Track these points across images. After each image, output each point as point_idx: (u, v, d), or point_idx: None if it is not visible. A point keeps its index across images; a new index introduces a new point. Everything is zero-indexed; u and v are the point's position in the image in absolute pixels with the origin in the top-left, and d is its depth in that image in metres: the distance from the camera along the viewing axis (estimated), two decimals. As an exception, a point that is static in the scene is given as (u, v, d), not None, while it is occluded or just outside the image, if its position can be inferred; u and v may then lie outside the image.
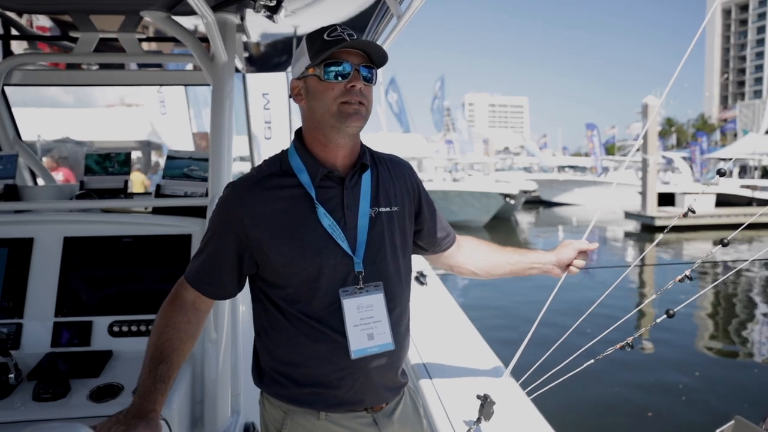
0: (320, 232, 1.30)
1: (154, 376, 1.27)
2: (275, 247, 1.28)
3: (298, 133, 1.40)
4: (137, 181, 15.78)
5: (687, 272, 1.45)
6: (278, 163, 1.37)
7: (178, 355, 1.31)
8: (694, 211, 1.57)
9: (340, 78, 1.28)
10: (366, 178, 1.39)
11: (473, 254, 1.70)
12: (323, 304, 1.31)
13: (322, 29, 1.32)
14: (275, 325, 1.35)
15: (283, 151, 1.41)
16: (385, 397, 1.41)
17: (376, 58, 1.32)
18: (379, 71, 1.37)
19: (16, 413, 1.60)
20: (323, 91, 1.29)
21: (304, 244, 1.28)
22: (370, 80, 1.32)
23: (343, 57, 1.28)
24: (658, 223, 19.53)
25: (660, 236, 1.69)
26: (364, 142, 1.44)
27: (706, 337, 8.46)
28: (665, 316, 1.46)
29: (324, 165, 1.34)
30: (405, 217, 1.46)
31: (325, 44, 1.28)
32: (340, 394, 1.34)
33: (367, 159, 1.40)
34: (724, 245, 1.44)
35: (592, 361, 1.55)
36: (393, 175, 1.47)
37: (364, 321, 1.32)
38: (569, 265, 1.71)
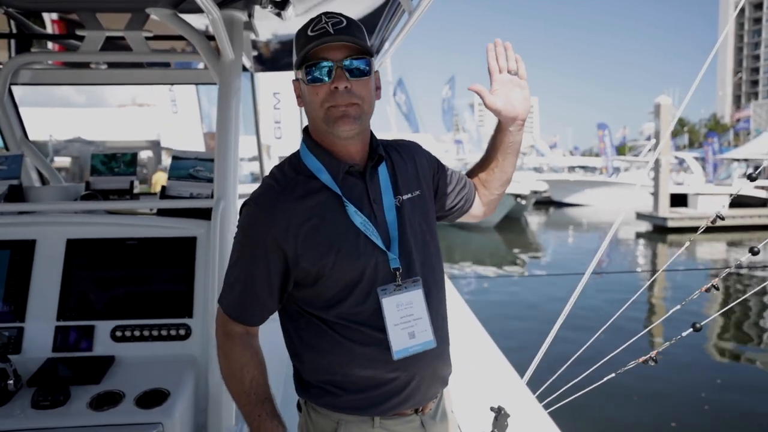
0: (354, 232, 1.24)
1: (269, 413, 1.28)
2: (313, 257, 1.22)
3: (306, 130, 1.34)
4: (162, 181, 15.82)
5: (714, 282, 1.37)
6: (293, 168, 1.30)
7: (266, 386, 1.30)
8: (722, 218, 1.49)
9: (324, 79, 1.19)
10: (383, 169, 1.33)
11: (487, 184, 1.57)
12: (367, 305, 1.25)
13: (309, 22, 1.23)
14: (319, 336, 1.28)
15: (293, 153, 1.35)
16: (435, 390, 1.37)
17: (363, 46, 1.21)
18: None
19: (13, 421, 1.56)
20: (310, 96, 1.22)
21: (343, 249, 1.22)
22: (362, 73, 1.20)
23: (324, 54, 1.18)
24: (671, 224, 19.31)
25: (687, 243, 1.62)
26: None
27: (727, 344, 8.27)
28: (691, 329, 1.39)
29: (343, 161, 1.27)
30: (427, 198, 1.41)
31: (306, 42, 1.20)
32: (395, 394, 1.28)
33: (381, 150, 1.33)
34: (755, 254, 1.36)
35: (613, 375, 1.48)
36: (405, 159, 1.41)
37: (404, 319, 1.26)
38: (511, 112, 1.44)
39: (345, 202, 1.24)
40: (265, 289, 1.26)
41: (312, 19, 1.23)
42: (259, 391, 1.28)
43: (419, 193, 1.38)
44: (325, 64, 1.18)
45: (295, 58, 1.24)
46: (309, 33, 1.20)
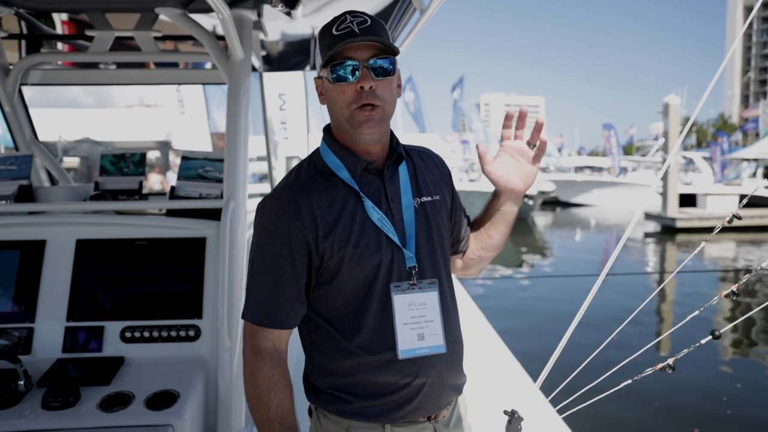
0: (372, 228, 1.24)
1: None
2: (332, 250, 1.22)
3: (327, 128, 1.34)
4: (155, 183, 15.83)
5: (734, 287, 1.34)
6: (313, 165, 1.31)
7: (292, 413, 1.26)
8: (740, 217, 1.46)
9: (349, 78, 1.19)
10: (403, 168, 1.33)
11: (479, 241, 1.51)
12: (379, 307, 1.24)
13: (333, 21, 1.24)
14: (329, 339, 1.27)
15: (313, 152, 1.35)
16: (448, 399, 1.34)
17: (389, 46, 1.21)
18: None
19: (24, 422, 1.56)
20: (335, 95, 1.23)
21: (361, 244, 1.22)
22: (386, 72, 1.22)
23: (350, 53, 1.19)
24: (680, 224, 19.15)
25: (702, 244, 1.59)
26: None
27: (745, 348, 8.13)
28: (710, 337, 1.36)
29: (362, 158, 1.28)
30: (445, 207, 1.39)
31: (332, 41, 1.20)
32: (406, 402, 1.26)
33: (401, 149, 1.33)
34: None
35: (630, 381, 1.45)
36: (428, 165, 1.41)
37: (414, 319, 1.24)
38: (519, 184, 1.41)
39: (363, 198, 1.25)
40: (293, 287, 1.24)
41: (336, 18, 1.23)
42: (285, 420, 1.23)
43: (439, 199, 1.37)
44: (350, 63, 1.19)
45: (318, 56, 1.25)
46: (334, 32, 1.20)
